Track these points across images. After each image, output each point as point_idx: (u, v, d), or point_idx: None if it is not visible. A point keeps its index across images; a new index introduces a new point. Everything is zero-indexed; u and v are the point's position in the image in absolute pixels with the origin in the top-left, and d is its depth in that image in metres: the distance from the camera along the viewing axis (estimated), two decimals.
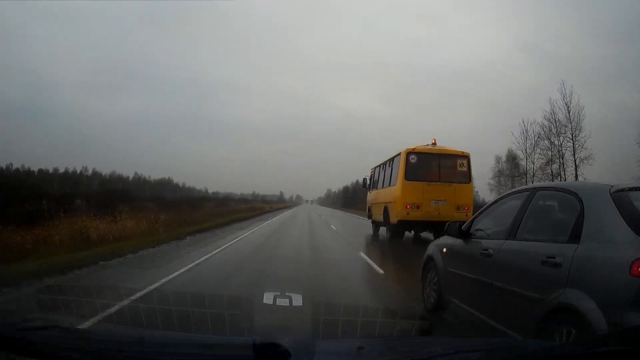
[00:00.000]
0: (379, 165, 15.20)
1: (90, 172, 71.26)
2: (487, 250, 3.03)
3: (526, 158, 27.51)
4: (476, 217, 3.68)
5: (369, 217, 16.46)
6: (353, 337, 1.46)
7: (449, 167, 11.69)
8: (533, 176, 26.47)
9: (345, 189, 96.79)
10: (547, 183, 6.28)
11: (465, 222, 3.71)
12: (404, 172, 11.39)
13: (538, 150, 26.70)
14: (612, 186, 2.29)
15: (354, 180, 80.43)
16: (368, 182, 17.44)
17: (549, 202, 2.91)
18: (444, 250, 3.93)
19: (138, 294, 3.03)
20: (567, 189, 2.69)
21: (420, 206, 11.14)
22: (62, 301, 1.60)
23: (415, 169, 11.47)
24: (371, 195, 16.27)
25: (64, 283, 4.57)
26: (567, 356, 1.17)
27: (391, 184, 12.67)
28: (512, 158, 31.55)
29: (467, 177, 11.76)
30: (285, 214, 35.70)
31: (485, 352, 1.14)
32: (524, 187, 3.37)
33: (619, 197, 2.19)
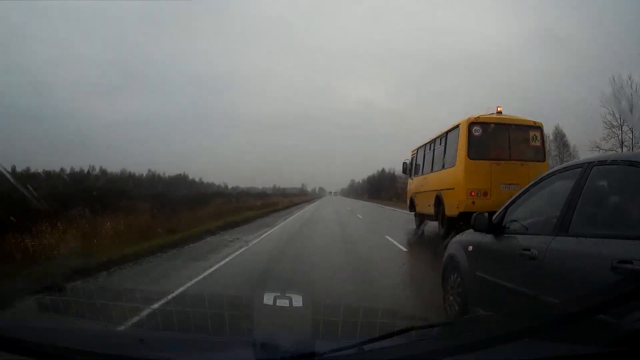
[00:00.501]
0: (425, 145, 14.84)
1: (97, 170, 77.30)
2: (529, 250, 2.77)
3: (620, 125, 25.80)
4: (510, 204, 3.48)
5: (411, 209, 16.39)
6: (353, 337, 1.73)
7: (520, 141, 11.16)
8: (632, 147, 24.80)
9: (371, 178, 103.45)
10: (607, 155, 5.35)
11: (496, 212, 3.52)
12: (467, 148, 10.78)
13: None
14: None
15: (380, 169, 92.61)
16: (409, 166, 17.17)
17: (613, 181, 2.60)
18: (470, 248, 3.80)
19: None
20: (639, 161, 2.33)
21: (489, 193, 10.48)
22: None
23: (480, 144, 10.85)
24: (414, 183, 16.06)
25: None
26: (567, 356, 1.41)
27: (446, 166, 12.26)
28: (560, 136, 30.96)
29: (541, 153, 11.27)
30: (306, 210, 34.61)
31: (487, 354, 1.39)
32: (573, 162, 3.02)
33: None
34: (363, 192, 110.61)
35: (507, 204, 3.56)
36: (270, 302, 1.65)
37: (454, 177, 11.41)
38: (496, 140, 11.12)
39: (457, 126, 11.59)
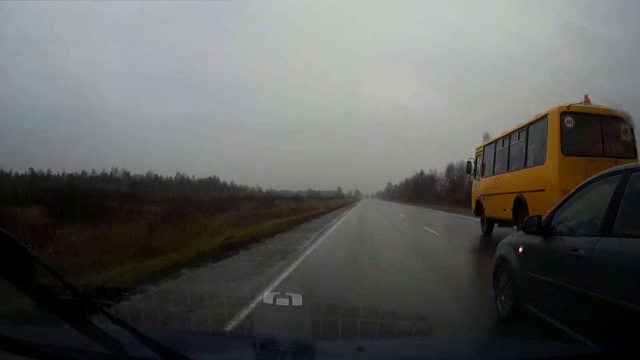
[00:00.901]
0: (497, 141, 15.52)
1: (121, 173, 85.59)
2: (577, 250, 3.54)
3: None
4: (557, 208, 4.40)
5: (477, 212, 17.22)
6: (353, 337, 2.03)
7: (612, 134, 11.44)
8: None
9: (413, 180, 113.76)
10: None
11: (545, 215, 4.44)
12: (560, 143, 11.05)
13: None
14: None
15: (418, 171, 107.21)
16: (473, 166, 18.04)
17: None
18: (520, 249, 4.81)
19: None
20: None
21: None
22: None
23: (573, 138, 11.23)
24: (482, 184, 16.78)
25: None
26: (567, 357, 1.67)
27: (530, 164, 12.65)
28: None
29: (632, 149, 11.65)
30: (346, 218, 31.24)
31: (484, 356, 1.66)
32: (613, 169, 3.78)
33: None
34: (401, 195, 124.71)
35: (554, 207, 4.43)
36: (270, 302, 1.95)
37: (542, 176, 11.63)
38: (589, 133, 11.35)
39: (543, 117, 11.83)
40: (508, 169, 14.17)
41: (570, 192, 4.34)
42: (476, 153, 17.80)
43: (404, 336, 2.02)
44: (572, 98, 12.04)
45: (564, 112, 11.21)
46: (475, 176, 17.95)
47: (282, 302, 1.94)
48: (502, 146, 14.75)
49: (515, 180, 13.42)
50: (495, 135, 16.42)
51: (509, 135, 14.19)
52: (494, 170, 15.55)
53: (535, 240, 4.41)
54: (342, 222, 27.42)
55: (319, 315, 2.06)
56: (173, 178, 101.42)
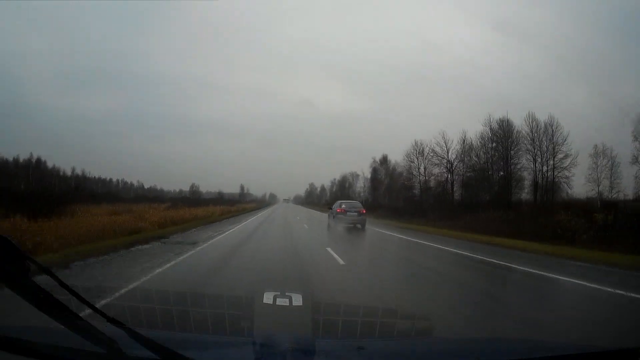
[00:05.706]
0: None
1: None
2: (332, 213, 29.92)
3: None
4: (334, 205, 32.80)
5: None
6: (353, 337, 1.99)
7: None
8: None
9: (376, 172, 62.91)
10: (343, 200, 32.40)
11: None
12: None
13: None
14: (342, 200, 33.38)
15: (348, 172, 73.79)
16: None
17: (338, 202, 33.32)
18: (330, 212, 32.06)
19: None
20: (339, 199, 36.67)
21: None
22: None
23: None
24: None
25: None
26: (567, 356, 1.63)
27: None
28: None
29: None
30: None
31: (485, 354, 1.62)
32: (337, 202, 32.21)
33: (339, 202, 31.92)
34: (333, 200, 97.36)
35: (335, 204, 32.49)
36: (270, 302, 1.91)
37: None
38: None
39: None
40: None
41: (339, 201, 31.95)
42: None
43: (404, 336, 1.99)
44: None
45: None
46: None
47: (282, 302, 1.90)
48: None
49: None
50: None
51: None
52: None
53: (329, 212, 31.59)
54: None
55: (319, 314, 2.03)
56: None
